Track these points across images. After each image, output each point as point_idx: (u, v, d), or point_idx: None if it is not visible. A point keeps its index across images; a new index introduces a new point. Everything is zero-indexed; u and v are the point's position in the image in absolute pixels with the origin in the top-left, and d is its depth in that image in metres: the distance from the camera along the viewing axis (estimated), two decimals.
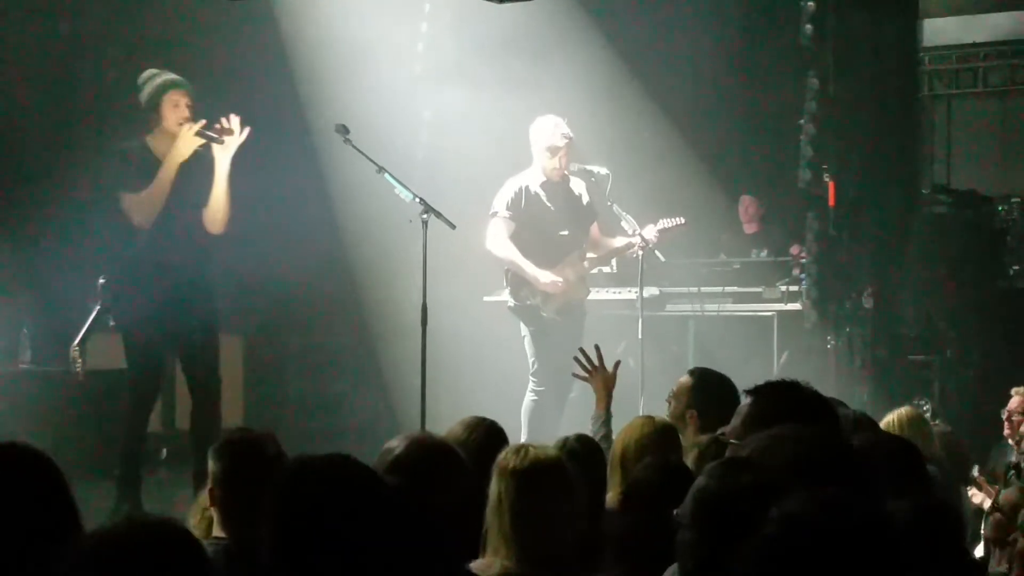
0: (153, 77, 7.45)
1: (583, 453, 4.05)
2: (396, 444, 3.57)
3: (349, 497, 2.80)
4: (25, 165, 10.46)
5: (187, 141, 7.31)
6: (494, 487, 3.55)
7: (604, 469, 4.34)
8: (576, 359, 5.89)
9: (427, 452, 3.55)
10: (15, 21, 10.23)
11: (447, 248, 8.06)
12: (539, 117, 8.33)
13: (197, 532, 3.78)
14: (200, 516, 3.94)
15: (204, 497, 3.92)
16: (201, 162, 7.40)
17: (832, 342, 9.51)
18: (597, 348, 5.92)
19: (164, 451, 9.99)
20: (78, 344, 8.19)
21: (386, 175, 7.47)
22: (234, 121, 7.34)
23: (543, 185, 8.27)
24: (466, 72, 10.48)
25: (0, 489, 2.64)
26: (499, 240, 8.24)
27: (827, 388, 8.51)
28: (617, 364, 5.93)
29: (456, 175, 9.71)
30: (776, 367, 9.33)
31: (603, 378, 5.83)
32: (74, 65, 10.63)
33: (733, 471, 2.95)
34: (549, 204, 8.27)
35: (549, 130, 8.21)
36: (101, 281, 7.73)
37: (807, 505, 2.23)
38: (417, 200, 7.36)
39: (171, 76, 7.45)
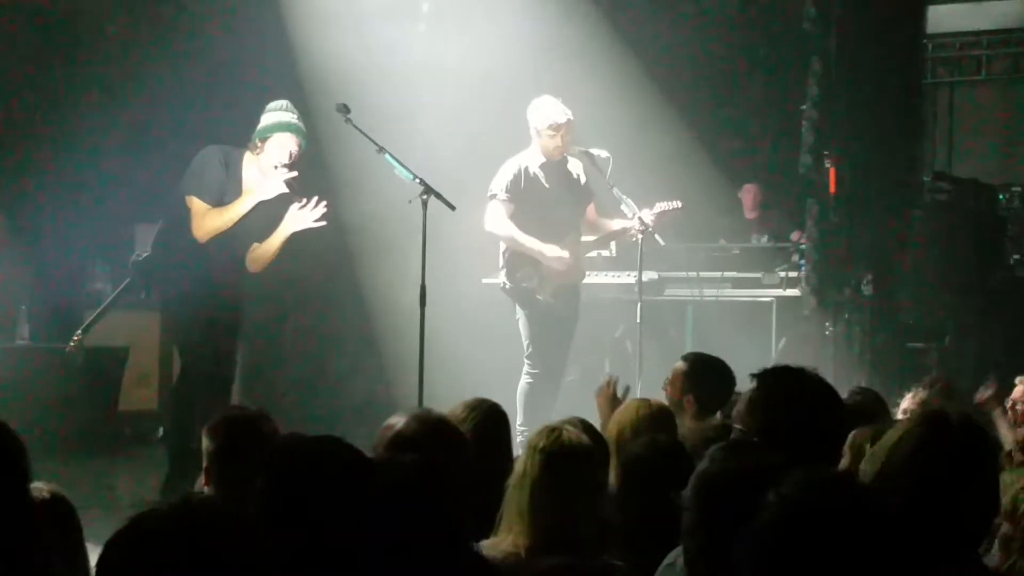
0: (278, 111, 7.48)
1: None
2: (396, 420, 3.57)
3: (336, 477, 2.80)
4: (23, 145, 10.44)
5: (275, 185, 7.36)
6: (520, 463, 3.56)
7: (606, 453, 4.33)
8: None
9: (428, 428, 3.55)
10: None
11: (447, 229, 8.05)
12: (536, 98, 8.29)
13: None
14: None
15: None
16: (276, 206, 7.46)
17: (831, 328, 9.50)
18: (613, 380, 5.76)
19: (161, 429, 10.00)
20: (82, 331, 8.26)
21: (386, 155, 7.45)
22: (320, 206, 7.42)
23: (542, 166, 8.23)
24: (467, 55, 10.47)
25: None
26: (499, 220, 8.20)
27: (825, 374, 8.50)
28: (627, 391, 5.82)
29: (456, 156, 9.69)
30: (774, 353, 9.32)
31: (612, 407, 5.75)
32: (72, 39, 10.62)
33: (735, 454, 2.95)
34: (547, 185, 8.24)
35: (549, 108, 8.16)
36: (136, 256, 7.75)
37: (803, 487, 2.22)
38: (417, 181, 7.34)
39: (292, 119, 7.47)
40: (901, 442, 2.87)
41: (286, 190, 7.37)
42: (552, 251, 8.20)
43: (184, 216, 7.40)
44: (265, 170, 7.40)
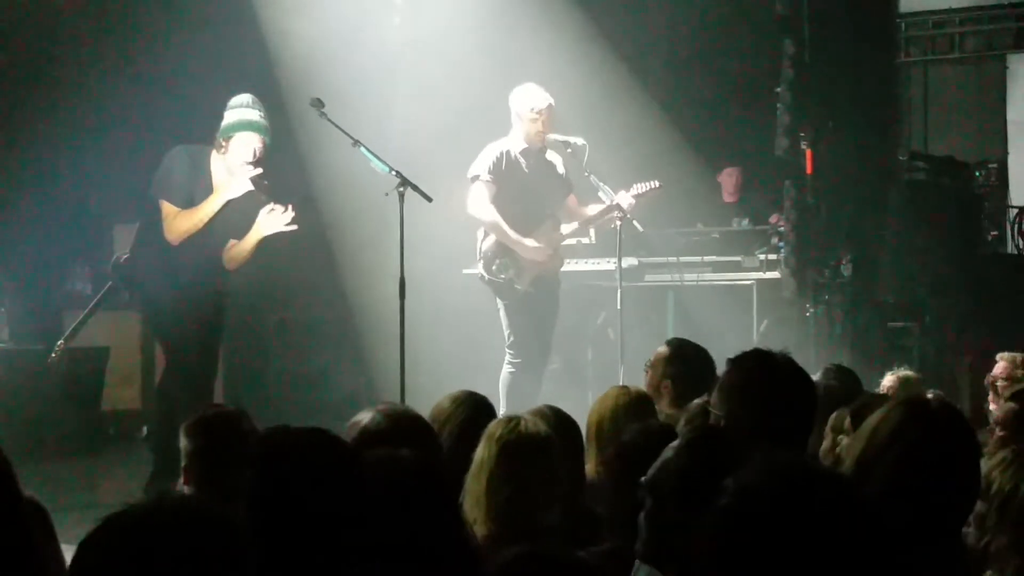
0: (240, 108, 7.47)
1: (556, 425, 4.04)
2: (363, 416, 3.57)
3: (324, 468, 2.80)
4: (1, 148, 10.40)
5: (241, 184, 7.38)
6: (479, 453, 3.57)
7: (580, 441, 4.34)
8: None
9: (395, 423, 3.55)
10: None
11: (424, 221, 8.04)
12: (518, 86, 8.30)
13: None
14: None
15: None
16: (246, 203, 7.47)
17: (811, 310, 9.52)
18: None
19: (145, 429, 9.98)
20: (64, 340, 8.25)
21: (362, 148, 7.44)
22: (289, 211, 7.45)
23: (523, 152, 8.23)
24: (442, 45, 10.45)
25: None
26: (482, 204, 8.17)
27: (807, 356, 8.61)
28: None
29: (432, 148, 9.68)
30: (756, 336, 9.33)
31: None
32: (48, 38, 10.58)
33: (698, 444, 2.96)
34: (527, 171, 8.24)
35: (532, 93, 8.18)
36: (116, 258, 7.75)
37: (761, 474, 2.19)
38: (393, 173, 7.33)
39: (255, 117, 7.46)
40: (880, 426, 2.88)
41: (252, 188, 7.38)
42: (531, 243, 8.20)
43: (158, 219, 7.41)
44: (232, 168, 7.42)
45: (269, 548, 2.68)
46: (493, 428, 3.61)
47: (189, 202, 7.40)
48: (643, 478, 2.99)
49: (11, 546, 2.42)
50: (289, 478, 2.78)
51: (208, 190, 7.43)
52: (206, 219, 7.39)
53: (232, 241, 7.59)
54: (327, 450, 2.88)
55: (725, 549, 2.15)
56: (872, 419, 2.94)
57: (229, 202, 7.42)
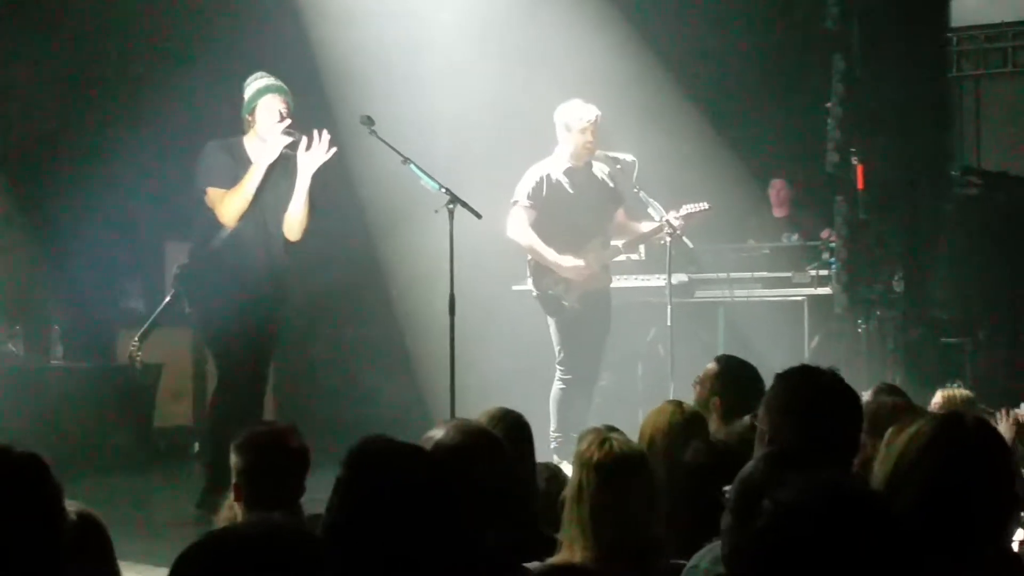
0: (254, 80, 7.53)
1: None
2: (436, 431, 3.54)
3: (412, 485, 2.79)
4: (53, 166, 10.50)
5: (275, 143, 7.37)
6: (574, 479, 3.52)
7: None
8: None
9: (469, 437, 3.52)
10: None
11: (474, 238, 8.05)
12: (564, 102, 8.32)
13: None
14: (231, 510, 3.95)
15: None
16: (287, 169, 7.47)
17: (863, 326, 9.46)
18: None
19: (196, 445, 10.04)
20: (138, 339, 8.23)
21: (411, 166, 7.44)
22: (324, 137, 7.39)
23: (566, 172, 8.24)
24: (489, 62, 10.47)
25: None
26: (520, 228, 8.23)
27: (859, 372, 8.56)
28: None
29: (481, 164, 9.69)
30: (807, 352, 9.29)
31: None
32: (102, 57, 10.68)
33: (776, 462, 2.95)
34: (571, 191, 8.25)
35: (579, 108, 8.20)
36: (176, 270, 7.78)
37: (799, 493, 2.20)
38: (443, 190, 7.34)
39: (270, 80, 7.51)
40: (912, 442, 2.86)
41: (288, 139, 7.36)
42: (568, 262, 8.21)
43: (209, 218, 7.42)
44: (264, 137, 7.42)
45: (345, 559, 2.68)
46: (587, 452, 3.51)
47: (234, 184, 7.39)
48: (725, 493, 2.98)
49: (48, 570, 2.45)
50: (376, 487, 2.77)
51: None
52: (253, 189, 7.35)
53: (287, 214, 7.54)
54: (418, 467, 2.87)
55: (763, 567, 2.16)
56: (905, 434, 2.92)
57: (272, 172, 7.41)
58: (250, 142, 7.50)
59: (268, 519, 2.48)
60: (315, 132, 7.42)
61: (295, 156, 7.42)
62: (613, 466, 3.47)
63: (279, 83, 7.51)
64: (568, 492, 3.52)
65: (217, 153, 7.47)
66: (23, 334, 9.83)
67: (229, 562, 2.10)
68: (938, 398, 5.95)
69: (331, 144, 7.41)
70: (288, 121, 7.38)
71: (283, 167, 7.46)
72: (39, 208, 10.40)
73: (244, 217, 7.39)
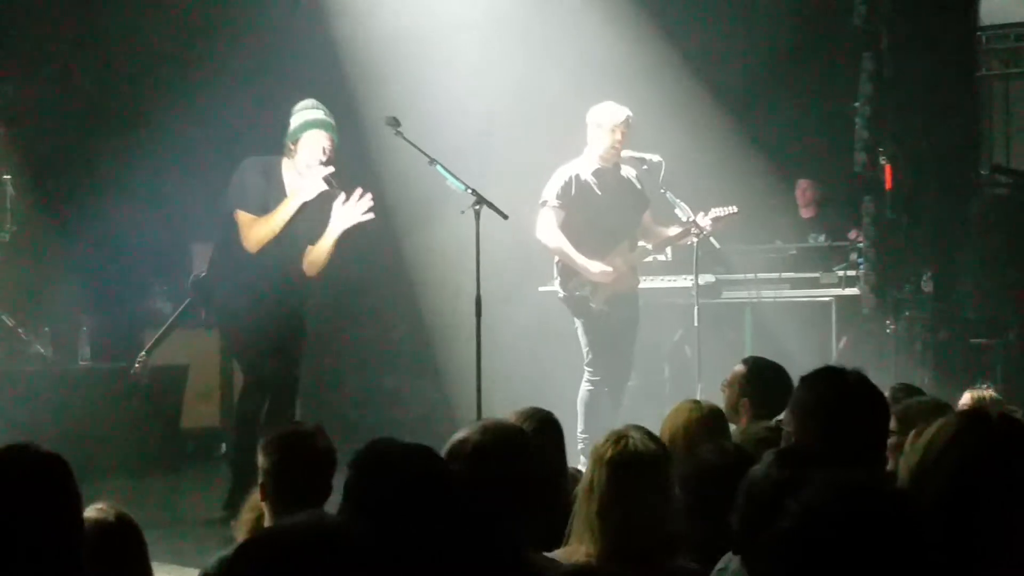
0: (303, 110, 7.50)
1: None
2: (466, 432, 3.52)
3: (419, 487, 2.78)
4: (80, 169, 10.54)
5: (314, 184, 7.35)
6: (587, 474, 3.52)
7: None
8: None
9: (500, 438, 3.50)
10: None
11: (500, 238, 8.03)
12: (595, 104, 8.31)
13: (248, 527, 3.77)
14: (252, 511, 3.94)
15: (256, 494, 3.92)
16: (321, 206, 7.45)
17: (891, 326, 9.41)
18: None
19: (224, 446, 10.05)
20: (146, 352, 8.31)
21: (438, 166, 7.43)
22: (365, 198, 7.39)
23: (595, 173, 8.22)
24: (516, 62, 10.46)
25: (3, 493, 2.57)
26: (549, 229, 8.21)
27: (887, 373, 8.51)
28: None
29: (508, 165, 9.68)
30: (835, 353, 9.25)
31: None
32: (130, 62, 10.72)
33: (783, 461, 2.93)
34: (600, 192, 8.23)
35: (611, 108, 8.20)
36: (195, 276, 7.80)
37: (824, 495, 2.20)
38: (469, 191, 7.33)
39: (319, 115, 7.48)
40: (937, 438, 2.83)
41: (325, 187, 7.37)
42: (596, 266, 8.18)
43: (234, 233, 7.42)
44: (302, 171, 7.40)
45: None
46: (602, 448, 3.52)
47: (264, 211, 7.39)
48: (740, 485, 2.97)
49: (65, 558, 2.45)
50: (384, 489, 2.77)
51: (282, 197, 7.42)
52: (283, 223, 7.36)
53: (309, 248, 7.57)
54: (425, 468, 2.87)
55: (788, 568, 2.15)
56: (929, 431, 2.89)
57: (304, 206, 7.41)
58: (288, 169, 7.48)
59: (322, 515, 2.48)
60: (357, 191, 7.41)
61: (331, 194, 7.40)
62: (625, 463, 3.47)
63: (327, 119, 7.48)
64: (580, 486, 3.52)
65: (253, 174, 7.44)
66: (51, 336, 9.86)
67: (288, 559, 2.11)
68: (966, 399, 5.90)
69: (370, 204, 7.40)
70: (331, 169, 7.35)
71: (319, 198, 7.44)
72: (66, 210, 10.44)
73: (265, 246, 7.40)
